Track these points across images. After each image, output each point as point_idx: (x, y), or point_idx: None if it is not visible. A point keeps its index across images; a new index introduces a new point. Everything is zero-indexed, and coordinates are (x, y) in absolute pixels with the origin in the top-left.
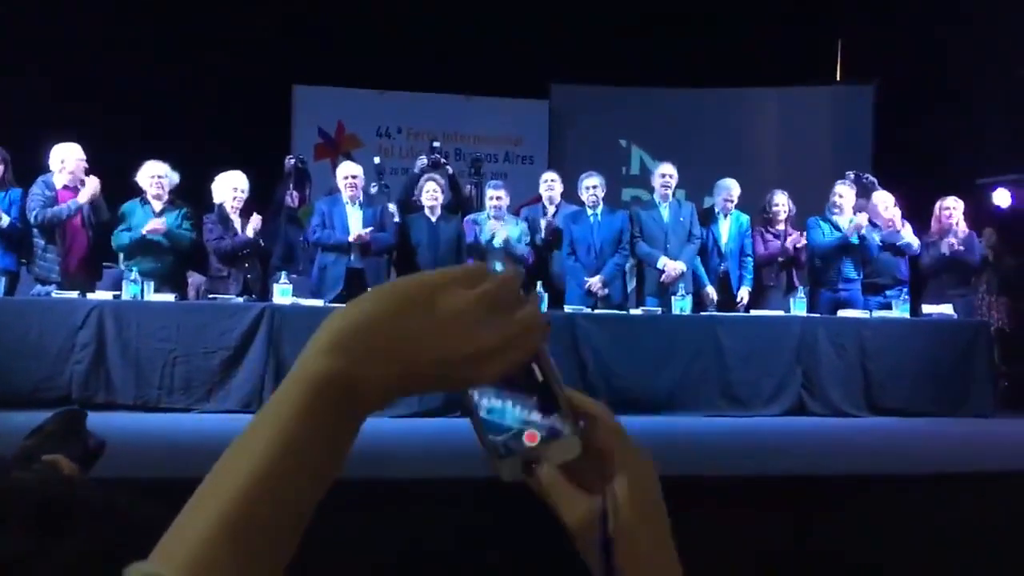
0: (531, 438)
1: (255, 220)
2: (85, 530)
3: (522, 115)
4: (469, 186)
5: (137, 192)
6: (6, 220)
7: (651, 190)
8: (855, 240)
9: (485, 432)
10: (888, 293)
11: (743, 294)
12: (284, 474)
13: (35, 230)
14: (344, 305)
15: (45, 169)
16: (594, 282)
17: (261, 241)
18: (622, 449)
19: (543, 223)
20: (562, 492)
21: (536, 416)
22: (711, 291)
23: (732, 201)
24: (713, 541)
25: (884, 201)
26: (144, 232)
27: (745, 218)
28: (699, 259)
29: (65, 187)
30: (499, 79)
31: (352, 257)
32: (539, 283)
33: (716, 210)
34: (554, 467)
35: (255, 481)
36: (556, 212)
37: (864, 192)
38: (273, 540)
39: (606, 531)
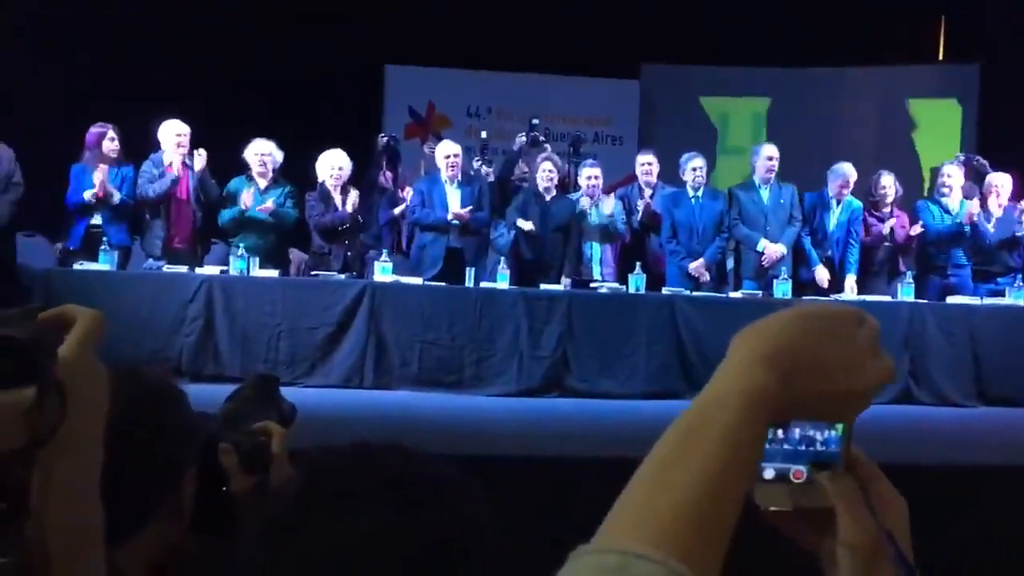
0: (798, 475)
1: (353, 196)
2: (433, 503)
3: (612, 95)
4: (569, 165)
5: (242, 169)
6: (118, 196)
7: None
8: (969, 228)
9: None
10: (1000, 280)
11: (849, 283)
12: (732, 474)
13: (147, 207)
14: (763, 319)
15: (155, 147)
16: (697, 266)
17: (359, 217)
18: (883, 486)
19: (640, 205)
20: (847, 507)
21: (813, 450)
22: (822, 271)
23: (848, 187)
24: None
25: (1000, 184)
26: (244, 207)
27: (858, 204)
28: (809, 239)
29: (172, 164)
30: (589, 59)
31: (451, 236)
32: (638, 264)
33: (830, 195)
34: (842, 481)
35: (710, 477)
36: (652, 195)
37: (975, 175)
38: (722, 533)
39: (899, 551)
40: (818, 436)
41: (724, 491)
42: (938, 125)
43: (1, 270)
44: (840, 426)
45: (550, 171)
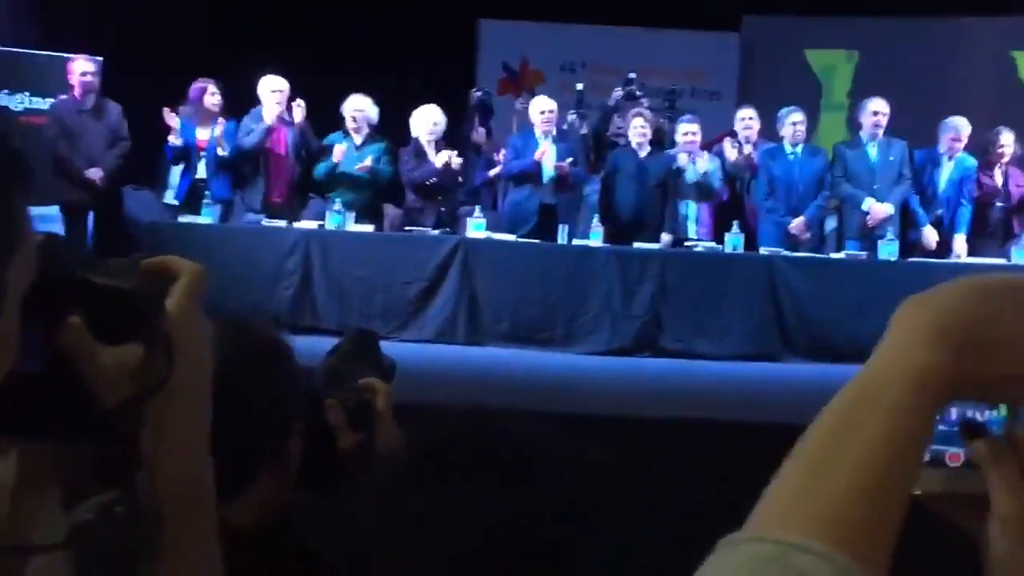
0: (954, 458)
1: (445, 153)
2: (546, 480)
3: (710, 48)
4: (663, 120)
5: (340, 125)
6: (227, 149)
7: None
8: None
9: None
10: None
11: (958, 243)
12: (900, 461)
13: (246, 161)
14: (930, 290)
15: (256, 102)
16: (797, 223)
17: (452, 173)
18: None
19: (732, 151)
20: (1003, 478)
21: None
22: (931, 232)
23: (961, 141)
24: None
25: None
26: (355, 169)
27: (972, 162)
28: (917, 198)
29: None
30: (688, 10)
31: (546, 192)
32: (735, 223)
33: (941, 151)
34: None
35: (876, 463)
36: (754, 150)
37: None
38: (890, 525)
39: None
40: (979, 417)
41: (891, 479)
42: None
43: (110, 223)
44: (1004, 408)
45: (642, 127)
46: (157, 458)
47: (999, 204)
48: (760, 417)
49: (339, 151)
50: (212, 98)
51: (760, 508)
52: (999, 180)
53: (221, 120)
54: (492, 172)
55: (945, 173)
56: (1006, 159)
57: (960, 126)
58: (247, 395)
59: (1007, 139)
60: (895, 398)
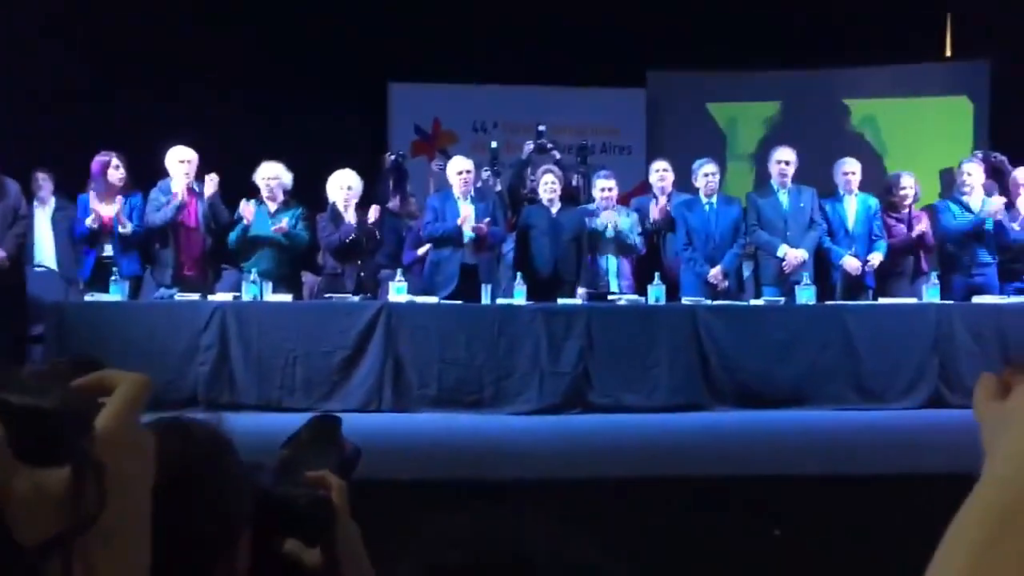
0: None
1: (362, 212)
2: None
3: (619, 104)
4: (576, 175)
5: (252, 194)
6: (130, 227)
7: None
8: (990, 225)
9: None
10: None
11: (873, 257)
12: None
13: (155, 235)
14: None
15: (163, 174)
16: (715, 273)
17: (376, 232)
18: None
19: (654, 207)
20: None
21: None
22: (851, 260)
23: (853, 175)
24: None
25: None
26: (272, 231)
27: (874, 201)
28: (828, 238)
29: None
30: (594, 68)
31: (465, 252)
32: (656, 275)
33: (839, 190)
34: None
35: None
36: (668, 202)
37: (993, 172)
38: None
39: None
40: None
41: None
42: (949, 123)
43: (11, 303)
44: None
45: (552, 183)
46: None
47: (905, 242)
48: (695, 469)
49: (249, 211)
50: (116, 172)
51: None
52: (903, 221)
53: (119, 198)
54: (421, 251)
55: (851, 211)
56: (909, 200)
57: (850, 162)
58: (187, 502)
59: (907, 181)
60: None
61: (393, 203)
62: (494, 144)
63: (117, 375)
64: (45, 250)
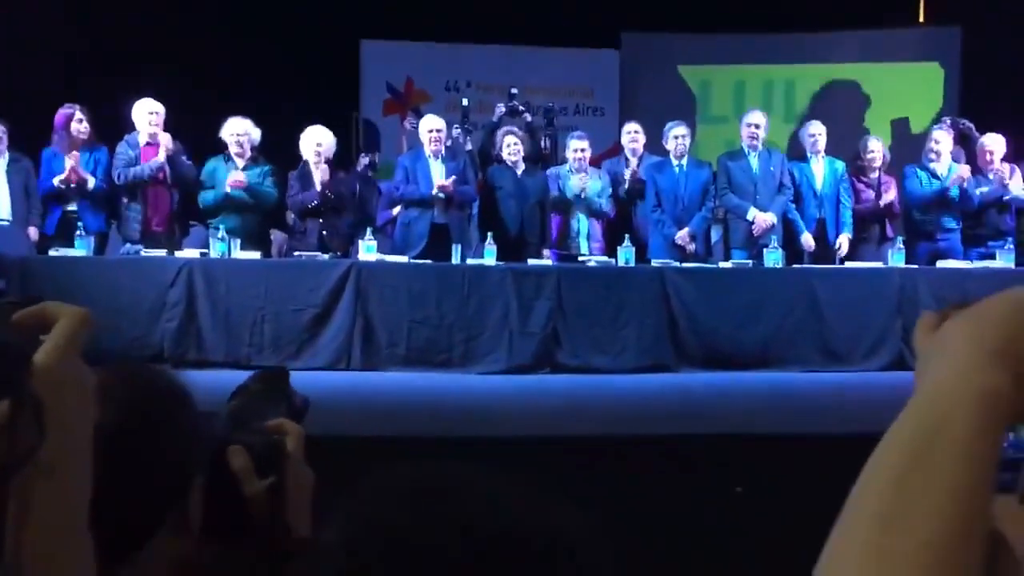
0: None
1: (323, 173)
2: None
3: (592, 65)
4: (544, 138)
5: (219, 150)
6: (93, 181)
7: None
8: (955, 192)
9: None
10: (991, 243)
11: (842, 241)
12: (978, 498)
13: (123, 190)
14: (984, 304)
15: (130, 128)
16: (682, 235)
17: (331, 194)
18: None
19: (627, 173)
20: None
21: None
22: (808, 239)
23: (817, 137)
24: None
25: (993, 146)
26: (227, 185)
27: (840, 164)
28: (793, 206)
29: (148, 144)
30: (568, 29)
31: (435, 212)
32: (627, 237)
33: (806, 152)
34: None
35: (956, 506)
36: (639, 164)
37: (961, 139)
38: (976, 559)
39: None
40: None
41: (972, 519)
42: (920, 89)
43: None
44: None
45: (515, 143)
46: (23, 537)
47: (872, 209)
48: (661, 429)
49: (235, 174)
50: (79, 125)
51: (829, 563)
52: (872, 187)
53: (75, 153)
54: (395, 211)
55: (818, 171)
56: (876, 164)
57: (814, 125)
58: (141, 448)
59: (875, 146)
60: (963, 430)
61: (364, 168)
62: (465, 102)
63: (58, 308)
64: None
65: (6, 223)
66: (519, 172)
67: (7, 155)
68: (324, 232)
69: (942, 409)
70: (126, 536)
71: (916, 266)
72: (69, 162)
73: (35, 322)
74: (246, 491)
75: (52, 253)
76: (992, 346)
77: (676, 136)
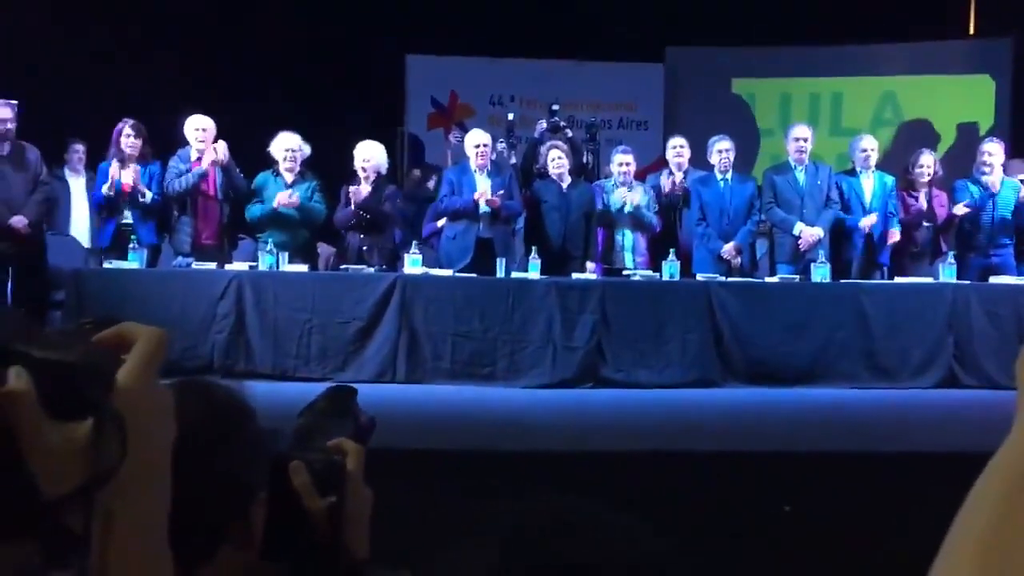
0: None
1: (365, 189)
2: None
3: (636, 79)
4: (587, 152)
5: (269, 164)
6: (149, 196)
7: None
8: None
9: None
10: None
11: (892, 233)
12: None
13: (174, 203)
14: None
15: (183, 143)
16: (728, 249)
17: (363, 212)
18: None
19: (666, 179)
20: None
21: None
22: (867, 219)
23: (868, 153)
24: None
25: None
26: (276, 205)
27: (890, 179)
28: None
29: (198, 159)
30: (612, 43)
31: (481, 226)
32: (671, 251)
33: (855, 167)
34: None
35: None
36: (684, 178)
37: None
38: None
39: None
40: None
41: None
42: (971, 101)
43: (33, 269)
44: None
45: (560, 158)
46: (108, 551)
47: (926, 224)
48: (706, 445)
49: (283, 195)
50: (127, 139)
51: None
52: (924, 201)
53: (135, 166)
54: (440, 223)
55: (867, 186)
56: (926, 179)
57: (866, 139)
58: (208, 464)
59: (927, 160)
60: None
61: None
62: (511, 116)
63: (136, 328)
64: (79, 221)
65: (66, 237)
66: (564, 186)
67: (85, 174)
68: (364, 248)
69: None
70: (194, 549)
71: (967, 282)
72: (127, 174)
73: (114, 343)
74: (307, 507)
75: (106, 265)
76: None
77: (720, 150)
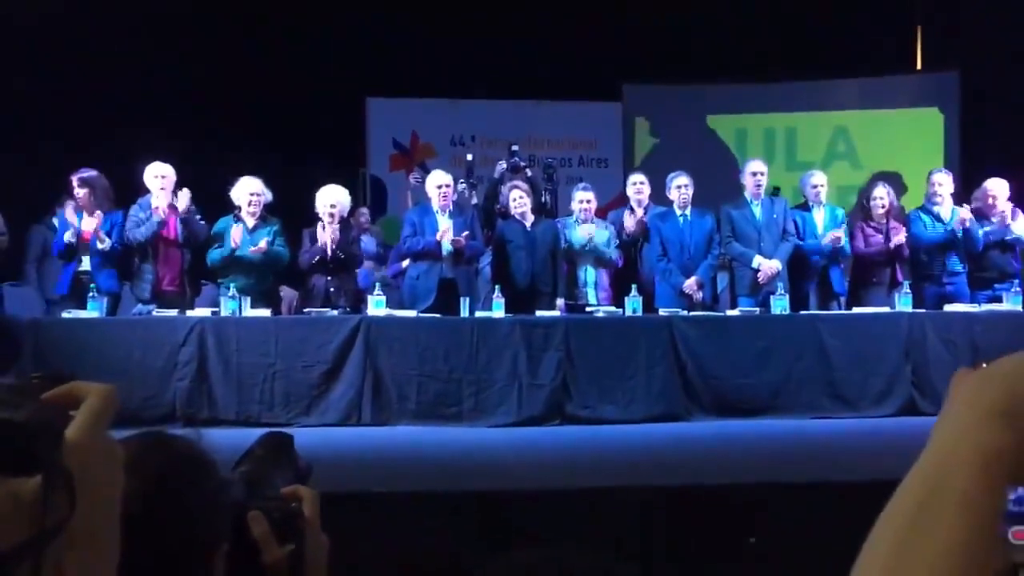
0: (1020, 536)
1: (332, 231)
2: None
3: (595, 118)
4: (545, 192)
5: (230, 209)
6: (108, 243)
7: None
8: (959, 233)
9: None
10: (997, 286)
11: (834, 234)
12: (978, 552)
13: (135, 251)
14: (994, 364)
15: (143, 191)
16: (690, 283)
17: (340, 253)
18: None
19: (630, 219)
20: None
21: None
22: (831, 234)
23: (819, 188)
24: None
25: (997, 190)
26: (249, 252)
27: (840, 211)
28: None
29: (159, 207)
30: (570, 83)
31: (444, 266)
32: (633, 287)
33: (808, 201)
34: None
35: (956, 560)
36: (645, 214)
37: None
38: None
39: None
40: None
41: (972, 568)
42: (921, 134)
43: None
44: None
45: (521, 197)
46: None
47: (882, 255)
48: (672, 479)
49: (236, 232)
50: (77, 191)
51: None
52: (881, 231)
53: (98, 213)
54: (404, 263)
55: (820, 221)
56: (882, 210)
57: (816, 175)
58: (167, 517)
59: (880, 192)
60: (965, 485)
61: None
62: (469, 157)
63: (86, 386)
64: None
65: (20, 286)
66: (528, 224)
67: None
68: (331, 289)
69: (943, 466)
70: None
71: (923, 310)
72: (90, 221)
73: (64, 400)
74: (266, 558)
75: (65, 315)
76: (995, 406)
77: (679, 186)
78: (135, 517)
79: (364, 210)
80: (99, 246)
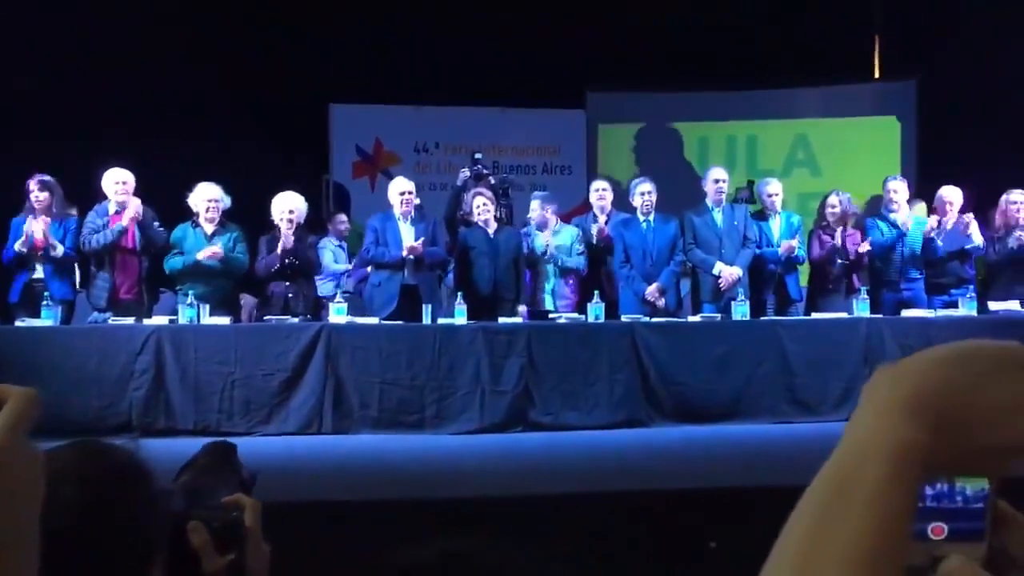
0: (937, 531)
1: (285, 239)
2: None
3: (558, 125)
4: (500, 207)
5: (188, 215)
6: (61, 249)
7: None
8: (920, 242)
9: None
10: (953, 291)
11: (789, 243)
12: (887, 542)
13: (91, 258)
14: (905, 361)
15: (100, 197)
16: (652, 290)
17: (295, 260)
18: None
19: (595, 228)
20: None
21: (952, 507)
22: (786, 243)
23: (774, 197)
24: None
25: (952, 197)
26: (200, 258)
27: (796, 217)
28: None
29: (117, 213)
30: (533, 89)
31: (406, 273)
32: (596, 293)
33: (764, 210)
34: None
35: (864, 549)
36: (608, 221)
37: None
38: None
39: None
40: (958, 491)
41: (881, 562)
42: (878, 142)
43: None
44: (983, 482)
45: (485, 204)
46: None
47: (839, 261)
48: (634, 485)
49: (209, 249)
50: (34, 194)
51: None
52: (838, 239)
53: (45, 219)
54: (369, 269)
55: (776, 228)
56: (837, 217)
57: (770, 183)
58: (100, 526)
59: (834, 200)
60: (876, 477)
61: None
62: (478, 155)
63: (6, 390)
64: None
65: None
66: (491, 231)
67: None
68: (290, 296)
69: (855, 461)
70: None
71: (881, 316)
72: (38, 227)
73: None
74: (206, 567)
75: (18, 324)
76: (907, 399)
77: (643, 193)
78: (69, 527)
79: (342, 216)
80: (52, 253)
